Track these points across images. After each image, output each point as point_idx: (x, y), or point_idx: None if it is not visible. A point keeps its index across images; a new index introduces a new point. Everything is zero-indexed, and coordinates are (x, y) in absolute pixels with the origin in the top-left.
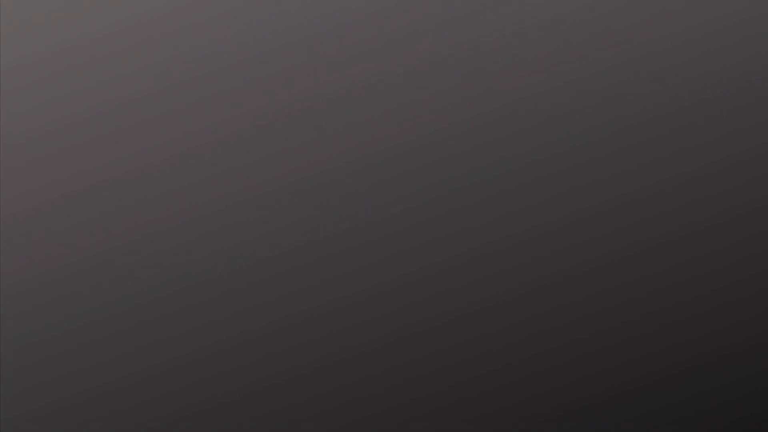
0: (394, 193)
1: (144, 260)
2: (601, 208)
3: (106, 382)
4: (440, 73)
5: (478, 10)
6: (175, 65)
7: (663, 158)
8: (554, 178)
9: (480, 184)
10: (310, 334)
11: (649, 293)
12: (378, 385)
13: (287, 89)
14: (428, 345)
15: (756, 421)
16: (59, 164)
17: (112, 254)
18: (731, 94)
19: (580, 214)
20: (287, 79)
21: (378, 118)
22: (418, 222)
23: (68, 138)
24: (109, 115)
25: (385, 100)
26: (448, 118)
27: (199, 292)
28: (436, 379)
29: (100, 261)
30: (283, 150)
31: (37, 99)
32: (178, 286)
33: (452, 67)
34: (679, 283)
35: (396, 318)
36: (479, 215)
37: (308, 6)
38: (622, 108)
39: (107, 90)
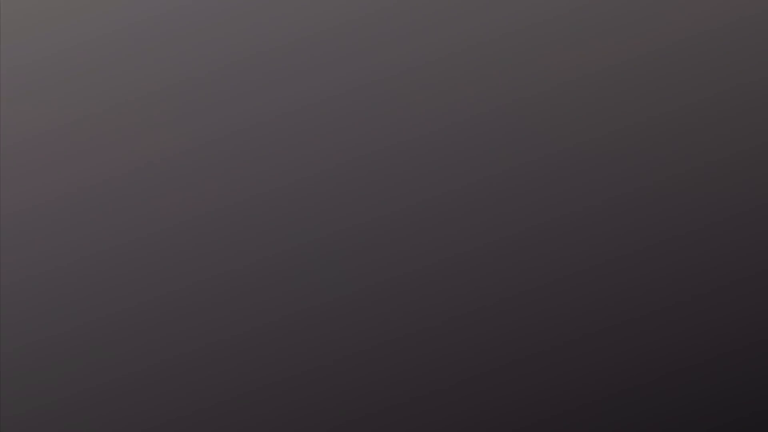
0: (392, 194)
1: (142, 261)
2: (596, 210)
3: (107, 381)
4: (436, 75)
5: (468, 12)
6: (172, 66)
7: (657, 160)
8: (550, 180)
9: (478, 185)
10: (308, 333)
11: (646, 293)
12: (376, 384)
13: (282, 91)
14: (427, 345)
15: (755, 420)
16: (60, 165)
17: (111, 255)
18: (728, 95)
19: (578, 215)
20: (282, 81)
21: (375, 119)
22: (415, 223)
23: (67, 139)
24: (107, 116)
25: (381, 102)
26: (445, 119)
27: (198, 292)
28: (435, 379)
29: (97, 262)
30: (282, 151)
31: (34, 100)
32: (177, 286)
33: (447, 69)
34: (675, 283)
35: (394, 318)
36: (475, 217)
37: (303, 8)
38: (615, 110)
39: (105, 91)
